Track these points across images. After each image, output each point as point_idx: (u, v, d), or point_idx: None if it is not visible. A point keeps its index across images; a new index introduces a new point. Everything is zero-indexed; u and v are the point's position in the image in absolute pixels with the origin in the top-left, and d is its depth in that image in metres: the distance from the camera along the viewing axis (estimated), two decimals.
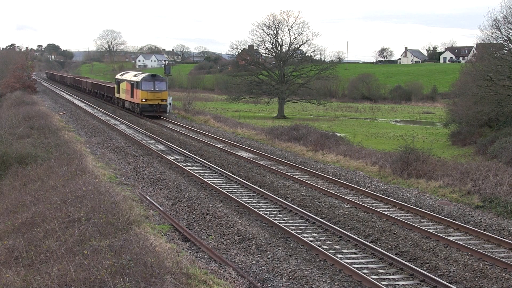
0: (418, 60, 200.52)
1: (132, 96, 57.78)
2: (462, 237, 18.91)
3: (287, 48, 77.74)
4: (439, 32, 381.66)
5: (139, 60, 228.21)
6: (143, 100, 54.74)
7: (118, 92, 64.00)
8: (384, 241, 18.42)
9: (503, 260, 16.36)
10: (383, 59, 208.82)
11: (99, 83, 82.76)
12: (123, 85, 61.67)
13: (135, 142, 38.93)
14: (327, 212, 21.78)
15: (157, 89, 54.97)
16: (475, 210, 22.44)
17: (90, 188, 20.39)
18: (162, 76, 58.28)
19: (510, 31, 42.64)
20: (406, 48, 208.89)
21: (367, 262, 16.49)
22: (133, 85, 57.05)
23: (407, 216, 21.42)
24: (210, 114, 61.41)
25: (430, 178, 26.63)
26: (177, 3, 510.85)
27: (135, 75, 58.98)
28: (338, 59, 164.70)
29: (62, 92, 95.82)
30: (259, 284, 14.82)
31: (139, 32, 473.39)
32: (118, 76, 65.57)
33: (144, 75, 56.89)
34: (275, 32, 76.71)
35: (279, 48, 77.35)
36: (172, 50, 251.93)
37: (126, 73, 65.93)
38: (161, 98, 55.33)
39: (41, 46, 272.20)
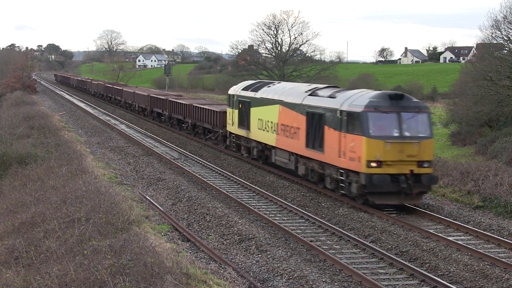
0: (418, 60, 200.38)
1: (311, 144, 24.67)
2: (462, 237, 18.90)
3: (287, 48, 77.87)
4: (439, 32, 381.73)
5: (139, 60, 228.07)
6: (373, 163, 21.39)
7: (243, 124, 31.15)
8: (384, 241, 18.41)
9: (503, 260, 16.35)
10: (383, 59, 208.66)
11: (175, 101, 46.13)
12: (270, 112, 28.31)
13: (135, 142, 38.92)
14: (327, 212, 21.77)
15: (409, 133, 22.02)
16: (475, 210, 22.43)
17: (90, 188, 20.40)
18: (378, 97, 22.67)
19: (510, 31, 42.60)
20: (406, 48, 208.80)
21: (367, 262, 16.49)
22: (328, 118, 23.34)
23: (407, 216, 21.39)
24: None
25: None
26: (177, 3, 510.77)
27: (315, 90, 25.82)
28: (338, 59, 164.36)
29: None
30: (259, 284, 14.81)
31: (139, 32, 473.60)
32: (241, 91, 32.08)
33: (368, 93, 23.08)
34: (275, 32, 76.82)
35: (279, 48, 77.44)
36: (172, 50, 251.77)
37: (262, 84, 31.76)
38: (420, 158, 21.90)
39: (41, 46, 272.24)
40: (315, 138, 23.95)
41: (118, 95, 68.34)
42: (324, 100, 23.82)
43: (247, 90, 31.51)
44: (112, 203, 18.55)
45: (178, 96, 54.14)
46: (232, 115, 32.83)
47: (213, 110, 36.84)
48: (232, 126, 32.95)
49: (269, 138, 28.41)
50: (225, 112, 34.77)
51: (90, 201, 18.55)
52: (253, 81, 34.22)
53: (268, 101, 28.52)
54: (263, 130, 28.92)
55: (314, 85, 27.31)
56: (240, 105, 31.72)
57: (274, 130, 27.63)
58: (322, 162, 23.80)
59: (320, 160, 23.81)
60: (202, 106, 39.54)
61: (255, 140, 30.31)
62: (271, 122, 27.91)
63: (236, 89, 33.24)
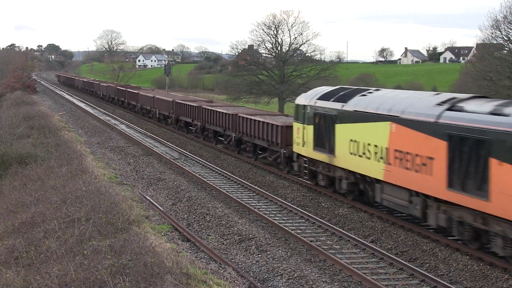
0: (418, 60, 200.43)
1: (460, 184, 16.89)
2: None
3: (287, 48, 77.72)
4: (439, 32, 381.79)
5: (139, 60, 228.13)
6: None
7: (323, 145, 23.97)
8: (384, 241, 18.41)
9: (503, 260, 16.33)
10: (383, 59, 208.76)
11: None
12: (373, 131, 20.82)
13: (135, 142, 38.92)
14: (327, 212, 21.78)
15: None
16: None
17: (90, 188, 20.40)
18: None
19: (510, 31, 42.68)
20: (406, 48, 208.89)
21: (367, 262, 16.50)
22: (499, 147, 15.54)
23: (406, 216, 21.38)
24: None
25: None
26: (177, 3, 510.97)
27: (456, 102, 18.26)
28: (338, 59, 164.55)
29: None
30: (259, 284, 14.81)
31: (139, 32, 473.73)
32: (319, 101, 24.59)
33: None
34: (275, 32, 76.70)
35: (279, 48, 77.34)
36: (172, 50, 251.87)
37: (351, 92, 23.79)
38: None
39: (41, 46, 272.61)
40: (468, 175, 16.36)
41: (132, 100, 60.34)
42: (484, 118, 16.14)
43: (328, 100, 23.67)
44: (112, 203, 18.56)
45: (209, 102, 46.89)
46: (304, 132, 25.22)
47: (273, 124, 28.64)
48: (303, 147, 25.24)
49: (371, 168, 20.70)
50: (290, 127, 27.35)
51: (90, 201, 18.55)
52: (333, 88, 25.70)
53: (369, 116, 20.79)
54: (360, 156, 21.21)
55: (447, 95, 19.76)
56: (318, 120, 24.17)
57: (381, 158, 20.05)
58: (485, 214, 16.08)
59: (480, 210, 16.06)
60: (254, 118, 31.03)
61: (343, 169, 22.47)
62: (375, 146, 20.37)
63: (309, 98, 25.27)
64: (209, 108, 38.35)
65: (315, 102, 24.50)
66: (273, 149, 29.20)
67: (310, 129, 24.75)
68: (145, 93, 56.75)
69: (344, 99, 22.86)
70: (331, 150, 23.06)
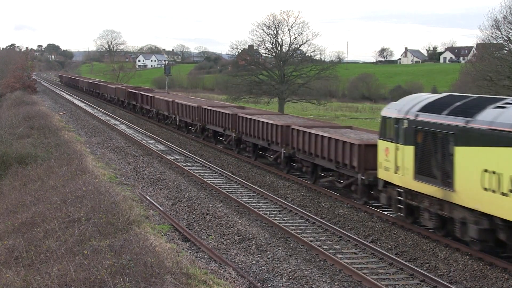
0: (418, 60, 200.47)
1: None
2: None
3: (287, 48, 77.67)
4: (439, 32, 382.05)
5: (139, 60, 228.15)
6: None
7: (431, 174, 18.05)
8: (384, 241, 18.41)
9: (502, 260, 16.32)
10: (383, 59, 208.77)
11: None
12: None
13: (135, 142, 38.92)
14: (327, 212, 21.77)
15: None
16: None
17: (90, 188, 20.40)
18: None
19: (510, 31, 42.69)
20: (406, 48, 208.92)
21: (367, 262, 16.49)
22: None
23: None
24: None
25: None
26: (177, 3, 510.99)
27: None
28: (338, 59, 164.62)
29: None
30: (259, 284, 14.81)
31: (139, 32, 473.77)
32: (422, 113, 18.64)
33: None
34: (275, 32, 76.65)
35: (279, 48, 77.30)
36: (172, 50, 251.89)
37: (477, 101, 17.58)
38: None
39: (41, 46, 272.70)
40: None
41: (146, 104, 54.41)
42: None
43: (440, 113, 17.95)
44: (112, 203, 18.56)
45: (241, 108, 40.42)
46: (397, 154, 19.51)
47: (347, 142, 22.84)
48: (397, 174, 19.52)
49: None
50: (371, 146, 21.80)
51: (90, 201, 18.55)
52: (437, 95, 20.03)
53: None
54: (503, 193, 15.19)
55: None
56: (421, 139, 18.47)
57: None
58: None
59: None
60: (317, 132, 25.28)
61: (470, 209, 16.57)
62: None
63: (404, 110, 19.57)
64: (249, 117, 31.19)
65: (416, 116, 18.74)
66: (346, 173, 23.08)
67: (408, 150, 18.87)
68: (162, 97, 50.23)
69: (467, 112, 17.01)
70: (446, 182, 17.26)
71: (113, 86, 72.61)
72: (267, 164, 30.47)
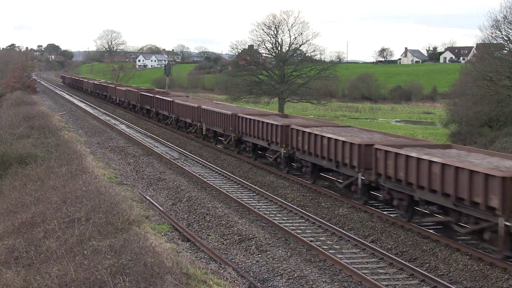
0: (418, 60, 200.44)
1: None
2: (462, 237, 18.88)
3: (287, 48, 77.74)
4: (439, 32, 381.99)
5: (139, 60, 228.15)
6: None
7: None
8: (384, 241, 18.41)
9: (502, 260, 16.33)
10: (383, 59, 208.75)
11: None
12: None
13: (135, 142, 38.91)
14: (327, 212, 21.77)
15: None
16: None
17: (90, 188, 20.39)
18: None
19: (510, 31, 42.68)
20: (406, 48, 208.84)
21: (367, 262, 16.49)
22: None
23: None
24: None
25: None
26: (177, 3, 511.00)
27: None
28: (338, 59, 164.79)
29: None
30: (259, 284, 14.81)
31: (139, 32, 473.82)
32: None
33: None
34: (275, 32, 76.71)
35: (279, 48, 77.34)
36: (172, 50, 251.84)
37: None
38: None
39: (41, 46, 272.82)
40: None
41: (163, 109, 48.54)
42: None
43: None
44: (112, 203, 18.56)
45: (284, 117, 33.57)
46: None
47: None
48: None
49: None
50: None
51: (90, 201, 18.54)
52: None
53: None
54: None
55: None
56: None
57: None
58: None
59: None
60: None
61: None
62: None
63: None
64: (301, 129, 26.29)
65: None
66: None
67: None
68: (183, 102, 43.77)
69: None
70: None
71: (123, 88, 65.76)
72: (267, 164, 30.53)
